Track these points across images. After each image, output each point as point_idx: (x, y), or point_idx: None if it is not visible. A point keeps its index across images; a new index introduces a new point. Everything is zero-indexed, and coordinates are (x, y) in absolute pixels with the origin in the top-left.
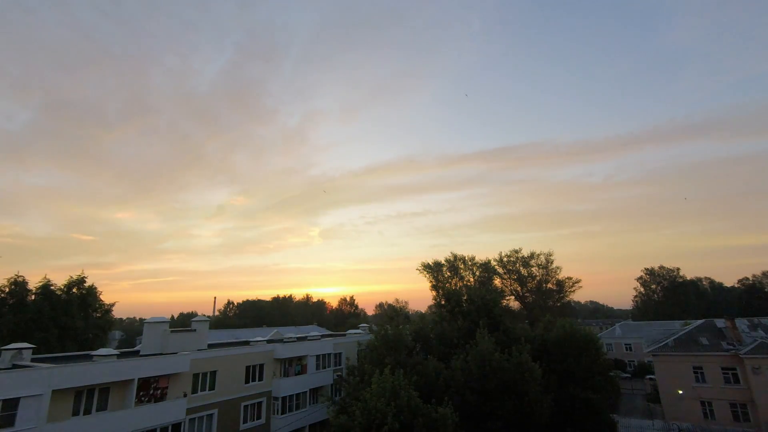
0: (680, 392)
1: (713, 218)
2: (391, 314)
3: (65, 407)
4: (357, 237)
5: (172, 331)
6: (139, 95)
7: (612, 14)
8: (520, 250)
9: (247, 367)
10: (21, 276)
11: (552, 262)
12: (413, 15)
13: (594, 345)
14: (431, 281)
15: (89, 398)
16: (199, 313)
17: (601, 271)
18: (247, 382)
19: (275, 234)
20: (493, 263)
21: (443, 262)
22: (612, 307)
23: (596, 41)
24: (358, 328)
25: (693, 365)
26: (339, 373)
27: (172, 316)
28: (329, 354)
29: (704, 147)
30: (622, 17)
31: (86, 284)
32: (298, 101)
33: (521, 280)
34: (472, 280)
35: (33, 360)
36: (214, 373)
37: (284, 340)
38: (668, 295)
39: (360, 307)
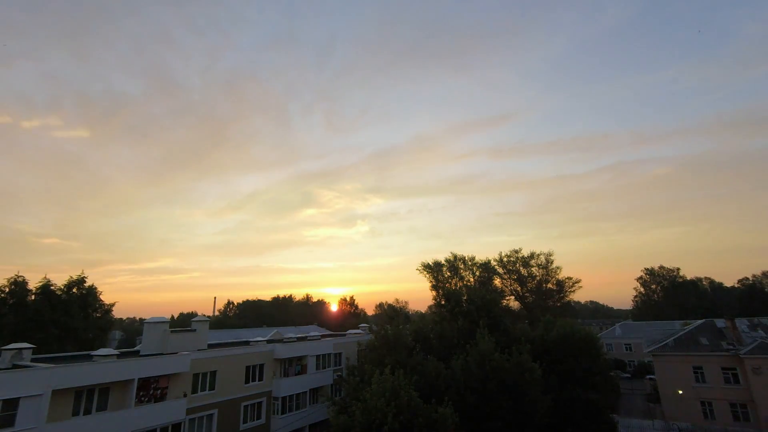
0: (680, 392)
1: (713, 218)
2: (391, 314)
3: (65, 407)
4: (357, 237)
5: (172, 331)
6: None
7: None
8: (520, 250)
9: (247, 367)
10: (21, 276)
11: (552, 262)
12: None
13: (594, 345)
14: (431, 281)
15: (89, 398)
16: (199, 313)
17: (601, 271)
18: (247, 382)
19: (275, 234)
20: (493, 263)
21: (443, 262)
22: (612, 307)
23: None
24: (358, 328)
25: (693, 365)
26: (339, 373)
27: (172, 316)
28: (329, 354)
29: (704, 147)
30: None
31: (86, 284)
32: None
33: (521, 280)
34: (472, 280)
35: (33, 360)
36: (214, 373)
37: (284, 340)
38: (668, 295)
39: (360, 307)
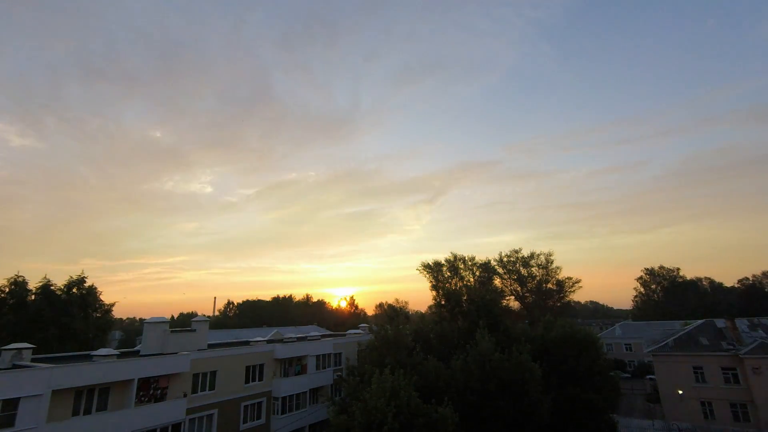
0: (680, 392)
1: (713, 218)
2: (391, 314)
3: (65, 407)
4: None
5: (172, 331)
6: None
7: None
8: (520, 250)
9: (247, 367)
10: (21, 276)
11: (552, 262)
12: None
13: (594, 345)
14: (431, 281)
15: (89, 398)
16: (199, 313)
17: (601, 271)
18: (247, 382)
19: (276, 235)
20: (493, 263)
21: (443, 262)
22: (612, 307)
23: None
24: (358, 328)
25: (693, 365)
26: (339, 373)
27: (172, 316)
28: (329, 354)
29: (704, 146)
30: None
31: (86, 284)
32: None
33: (521, 280)
34: (472, 280)
35: (33, 360)
36: (214, 373)
37: (284, 340)
38: (668, 295)
39: (360, 307)
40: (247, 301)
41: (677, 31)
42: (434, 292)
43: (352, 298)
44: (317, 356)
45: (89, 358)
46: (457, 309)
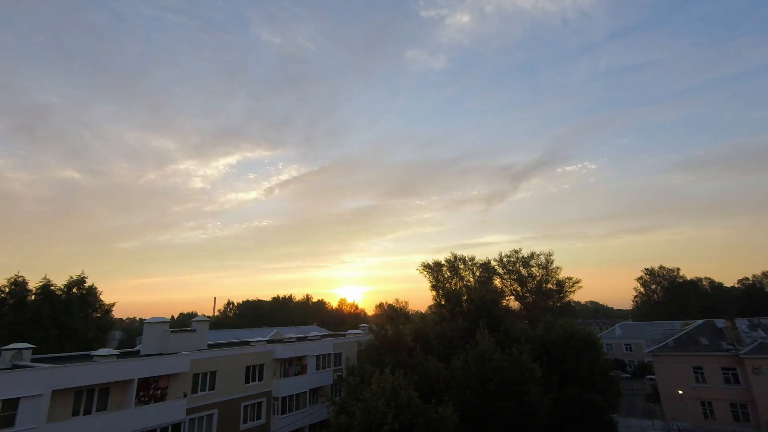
0: (680, 392)
1: (713, 218)
2: (391, 314)
3: (65, 407)
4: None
5: (172, 332)
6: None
7: None
8: (520, 250)
9: (247, 368)
10: (21, 276)
11: (552, 262)
12: None
13: (594, 345)
14: (431, 281)
15: (89, 398)
16: (199, 313)
17: (601, 271)
18: (247, 382)
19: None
20: (493, 263)
21: (443, 262)
22: (612, 308)
23: None
24: (358, 328)
25: (693, 365)
26: (339, 373)
27: (172, 317)
28: (329, 354)
29: (704, 147)
30: None
31: (86, 284)
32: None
33: (521, 280)
34: (472, 280)
35: (33, 360)
36: (214, 374)
37: (284, 340)
38: (668, 295)
39: (360, 307)
40: (247, 301)
41: None
42: (434, 292)
43: (352, 298)
44: (317, 356)
45: (89, 358)
46: (457, 309)
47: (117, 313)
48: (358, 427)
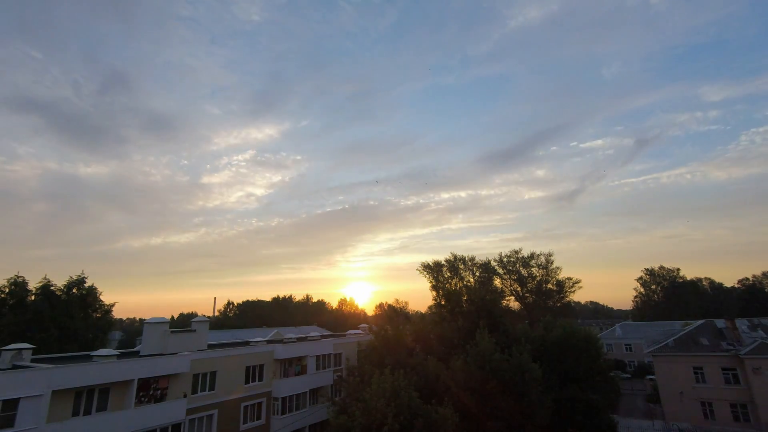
0: (680, 392)
1: (713, 218)
2: (391, 315)
3: (65, 408)
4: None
5: (172, 332)
6: None
7: None
8: (520, 250)
9: (247, 368)
10: (21, 276)
11: (552, 263)
12: None
13: (594, 345)
14: (431, 281)
15: (89, 399)
16: (199, 314)
17: (601, 271)
18: (247, 382)
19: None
20: (493, 263)
21: (443, 262)
22: (612, 308)
23: None
24: (358, 328)
25: (693, 365)
26: (339, 373)
27: (172, 317)
28: (329, 354)
29: (705, 147)
30: None
31: (86, 284)
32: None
33: (521, 281)
34: (472, 280)
35: (33, 360)
36: (214, 374)
37: (284, 340)
38: (668, 295)
39: (360, 307)
40: (247, 301)
41: None
42: (434, 293)
43: (352, 298)
44: (317, 357)
45: (89, 358)
46: (457, 309)
47: (117, 313)
48: (358, 428)
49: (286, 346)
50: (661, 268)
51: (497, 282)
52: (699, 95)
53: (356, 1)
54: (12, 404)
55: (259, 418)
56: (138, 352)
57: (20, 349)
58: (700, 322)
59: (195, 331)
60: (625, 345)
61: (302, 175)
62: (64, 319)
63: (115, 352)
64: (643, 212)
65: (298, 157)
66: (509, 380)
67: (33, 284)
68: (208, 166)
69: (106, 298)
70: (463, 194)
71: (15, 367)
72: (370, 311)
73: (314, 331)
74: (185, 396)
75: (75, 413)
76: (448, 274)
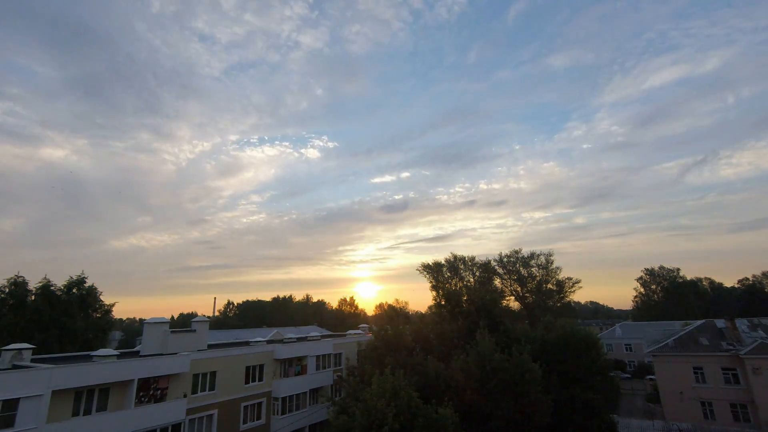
0: (680, 392)
1: (713, 218)
2: (391, 314)
3: (65, 408)
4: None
5: (172, 332)
6: None
7: None
8: (520, 250)
9: (247, 368)
10: (21, 276)
11: (552, 263)
12: None
13: (594, 345)
14: (431, 282)
15: (89, 399)
16: (199, 314)
17: (601, 271)
18: (247, 382)
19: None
20: (493, 264)
21: (443, 262)
22: (612, 308)
23: None
24: (358, 328)
25: (693, 365)
26: (339, 373)
27: (172, 317)
28: (329, 354)
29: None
30: None
31: (86, 284)
32: None
33: (521, 281)
34: (472, 280)
35: (33, 360)
36: (214, 374)
37: (284, 340)
38: (668, 295)
39: (360, 307)
40: (247, 301)
41: None
42: (434, 293)
43: (351, 298)
44: (317, 356)
45: (89, 358)
46: (457, 309)
47: (117, 313)
48: (358, 428)
49: (286, 346)
50: (661, 267)
51: (497, 282)
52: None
53: None
54: (12, 404)
55: (259, 418)
56: (138, 352)
57: (20, 349)
58: (700, 322)
59: (195, 331)
60: (625, 345)
61: (302, 174)
62: (64, 319)
63: (115, 352)
64: (644, 210)
65: (299, 156)
66: (509, 380)
67: (33, 284)
68: (209, 166)
69: (106, 298)
70: (463, 191)
71: (15, 367)
72: (370, 311)
73: (314, 331)
74: (185, 396)
75: (75, 413)
76: (448, 274)
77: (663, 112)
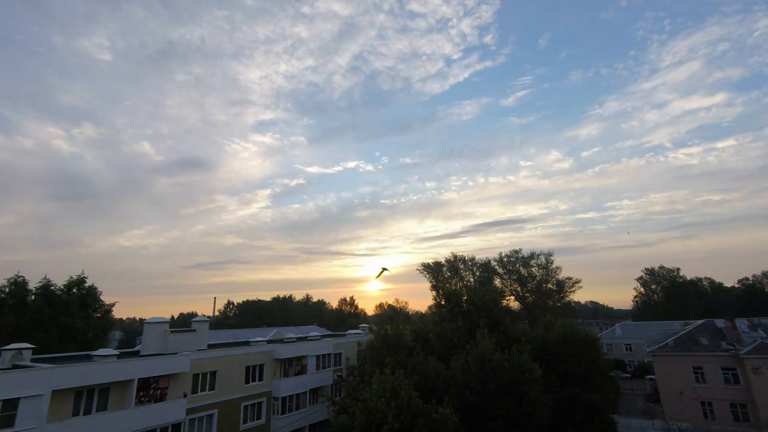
0: (680, 392)
1: (713, 218)
2: (391, 314)
3: (65, 407)
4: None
5: (172, 332)
6: None
7: None
8: (520, 250)
9: (247, 368)
10: (21, 276)
11: (552, 263)
12: None
13: (594, 345)
14: (431, 281)
15: (89, 398)
16: (199, 314)
17: (601, 271)
18: (247, 382)
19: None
20: (493, 263)
21: (443, 262)
22: (612, 308)
23: None
24: (358, 328)
25: (693, 365)
26: (339, 373)
27: (172, 317)
28: (329, 354)
29: (705, 146)
30: None
31: (86, 284)
32: None
33: (521, 281)
34: (472, 280)
35: (33, 360)
36: (214, 374)
37: (284, 340)
38: (668, 295)
39: (360, 307)
40: (247, 301)
41: None
42: (434, 293)
43: (351, 298)
44: (317, 356)
45: (89, 358)
46: (457, 309)
47: (117, 313)
48: (358, 427)
49: (286, 346)
50: (661, 267)
51: (497, 282)
52: None
53: None
54: (12, 404)
55: (259, 417)
56: (138, 351)
57: (20, 349)
58: (700, 321)
59: (195, 330)
60: (625, 345)
61: (302, 173)
62: (64, 319)
63: (115, 351)
64: (644, 211)
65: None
66: (509, 380)
67: (33, 284)
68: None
69: (106, 298)
70: (464, 187)
71: (15, 366)
72: (370, 311)
73: (314, 331)
74: (185, 396)
75: (75, 413)
76: (448, 274)
77: None
